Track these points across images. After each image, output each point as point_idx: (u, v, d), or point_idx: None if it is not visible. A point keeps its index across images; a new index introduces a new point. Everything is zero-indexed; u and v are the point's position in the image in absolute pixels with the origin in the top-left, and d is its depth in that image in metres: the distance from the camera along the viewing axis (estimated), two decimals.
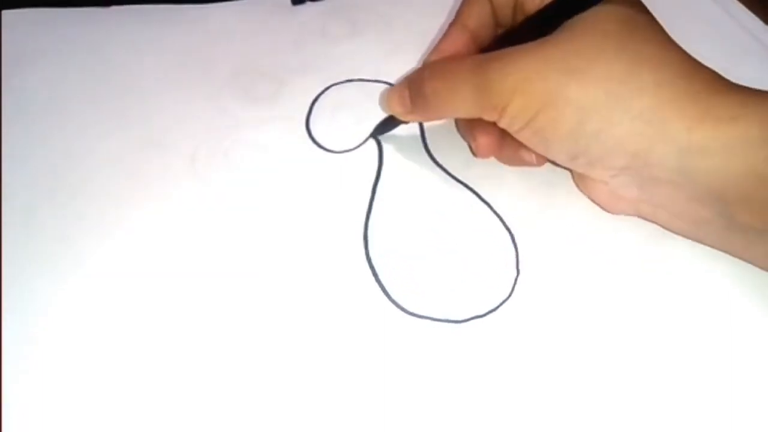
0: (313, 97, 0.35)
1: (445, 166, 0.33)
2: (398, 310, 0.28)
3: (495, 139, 0.30)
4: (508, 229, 0.30)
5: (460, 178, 0.32)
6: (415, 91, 0.30)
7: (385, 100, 0.32)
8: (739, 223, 0.25)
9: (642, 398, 0.26)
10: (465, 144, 0.33)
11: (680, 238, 0.30)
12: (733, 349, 0.27)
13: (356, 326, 0.28)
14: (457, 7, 0.31)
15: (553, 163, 0.30)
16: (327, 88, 0.36)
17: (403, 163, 0.33)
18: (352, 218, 0.31)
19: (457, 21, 0.31)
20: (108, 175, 0.32)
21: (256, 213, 0.31)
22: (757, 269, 0.28)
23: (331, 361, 0.27)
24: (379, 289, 0.29)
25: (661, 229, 0.30)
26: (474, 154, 0.32)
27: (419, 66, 0.32)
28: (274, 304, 0.28)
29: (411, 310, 0.28)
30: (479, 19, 0.31)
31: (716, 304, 0.28)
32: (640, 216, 0.30)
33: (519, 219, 0.31)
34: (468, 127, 0.31)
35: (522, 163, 0.31)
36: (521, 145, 0.29)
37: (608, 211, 0.30)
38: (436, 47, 0.31)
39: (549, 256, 0.30)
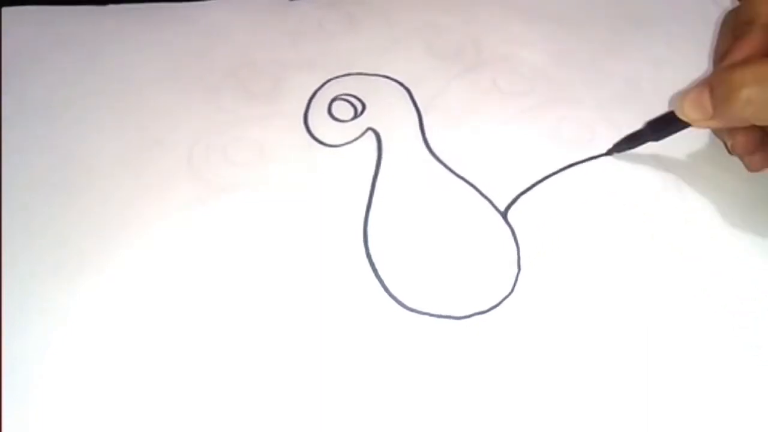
0: (311, 92, 0.35)
1: (444, 160, 0.33)
2: (398, 306, 0.28)
3: (754, 139, 0.30)
4: (509, 225, 0.30)
5: (460, 173, 0.32)
6: (721, 96, 0.27)
7: (679, 102, 0.29)
8: None
9: (643, 394, 0.26)
10: (466, 138, 0.33)
11: (679, 236, 0.30)
12: (730, 340, 0.27)
13: (355, 322, 0.27)
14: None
15: None
16: (326, 82, 0.36)
17: (402, 157, 0.33)
18: (351, 213, 0.30)
19: (755, 21, 0.30)
20: (106, 173, 0.32)
21: (254, 209, 0.31)
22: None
23: (330, 357, 0.26)
24: (379, 284, 0.28)
25: (660, 226, 0.30)
26: (729, 151, 0.32)
27: (718, 66, 0.30)
28: (274, 301, 0.28)
29: (411, 306, 0.28)
30: None
31: (714, 301, 0.28)
32: None
33: (520, 215, 0.31)
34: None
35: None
36: None
37: None
38: (735, 45, 0.30)
39: (550, 252, 0.29)
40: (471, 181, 0.32)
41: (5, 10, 0.38)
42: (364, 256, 0.29)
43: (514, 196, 0.31)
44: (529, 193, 0.31)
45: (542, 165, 0.32)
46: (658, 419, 0.25)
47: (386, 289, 0.28)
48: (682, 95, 0.29)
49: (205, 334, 0.27)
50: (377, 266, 0.29)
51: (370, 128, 0.34)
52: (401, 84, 0.36)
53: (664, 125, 0.32)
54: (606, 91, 0.36)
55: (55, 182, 0.31)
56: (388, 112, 0.35)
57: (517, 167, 0.32)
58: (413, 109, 0.35)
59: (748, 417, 0.25)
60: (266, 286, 0.28)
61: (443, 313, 0.27)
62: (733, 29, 0.31)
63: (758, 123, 0.28)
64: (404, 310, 0.28)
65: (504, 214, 0.31)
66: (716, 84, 0.28)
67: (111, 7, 0.39)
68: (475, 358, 0.26)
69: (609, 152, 0.33)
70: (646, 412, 0.25)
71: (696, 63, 0.38)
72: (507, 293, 0.28)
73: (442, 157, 0.33)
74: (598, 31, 0.40)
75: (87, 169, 0.32)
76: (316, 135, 0.34)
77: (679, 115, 0.29)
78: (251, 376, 0.26)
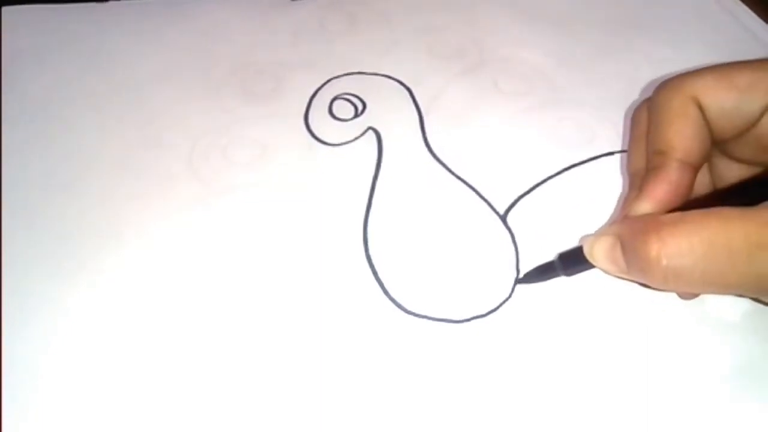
0: (312, 91, 0.35)
1: (444, 161, 0.33)
2: (397, 309, 0.28)
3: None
4: (508, 228, 0.30)
5: (459, 174, 0.32)
6: (634, 254, 0.23)
7: (588, 248, 0.25)
8: None
9: (643, 399, 0.26)
10: (466, 138, 0.33)
11: None
12: (730, 350, 0.27)
13: (354, 324, 0.27)
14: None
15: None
16: (326, 82, 0.36)
17: (402, 157, 0.33)
18: (351, 214, 0.31)
19: (669, 153, 0.25)
20: (106, 173, 0.32)
21: (254, 209, 0.31)
22: None
23: (329, 359, 0.26)
24: (378, 287, 0.28)
25: None
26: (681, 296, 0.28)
27: (630, 214, 0.25)
28: (273, 303, 0.28)
29: (410, 309, 0.28)
30: (699, 148, 0.25)
31: (713, 301, 0.28)
32: None
33: (519, 218, 0.31)
34: None
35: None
36: None
37: None
38: (647, 184, 0.25)
39: (549, 256, 0.29)
40: (471, 182, 0.32)
41: (5, 9, 0.38)
42: (364, 257, 0.29)
43: (513, 198, 0.31)
44: (528, 195, 0.31)
45: (542, 166, 0.32)
46: (658, 425, 0.25)
47: (386, 292, 0.28)
48: (592, 240, 0.25)
49: (204, 334, 0.27)
50: (377, 268, 0.29)
51: (370, 127, 0.34)
52: (402, 83, 0.36)
53: (576, 263, 0.27)
54: (606, 92, 0.36)
55: (55, 182, 0.31)
56: (389, 112, 0.35)
57: (517, 169, 0.32)
58: (414, 108, 0.35)
59: (749, 423, 0.25)
60: (265, 287, 0.28)
61: (442, 317, 0.27)
62: (646, 148, 0.27)
63: (686, 291, 0.25)
64: (403, 313, 0.28)
65: (503, 217, 0.31)
66: (628, 244, 0.23)
67: (111, 4, 0.39)
68: (473, 362, 0.26)
69: (519, 281, 0.29)
70: (646, 418, 0.25)
71: (696, 63, 0.38)
72: (506, 297, 0.28)
73: (442, 158, 0.33)
74: (598, 32, 0.40)
75: (87, 169, 0.32)
76: (317, 134, 0.34)
77: (591, 261, 0.25)
78: (250, 377, 0.26)
